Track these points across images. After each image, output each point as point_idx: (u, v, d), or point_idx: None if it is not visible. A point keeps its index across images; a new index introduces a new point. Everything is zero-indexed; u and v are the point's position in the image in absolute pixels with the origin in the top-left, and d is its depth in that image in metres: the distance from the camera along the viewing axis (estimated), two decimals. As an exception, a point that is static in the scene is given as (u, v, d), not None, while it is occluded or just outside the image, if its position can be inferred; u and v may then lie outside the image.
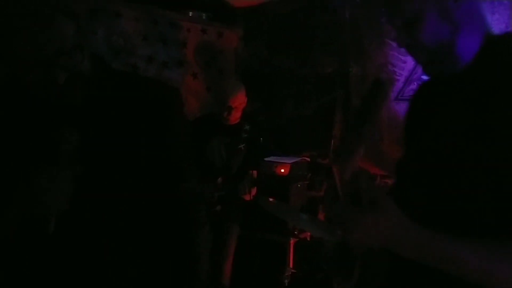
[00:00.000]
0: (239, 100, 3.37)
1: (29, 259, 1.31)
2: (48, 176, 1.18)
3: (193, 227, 1.45)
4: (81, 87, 1.22)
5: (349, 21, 3.94)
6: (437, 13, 1.11)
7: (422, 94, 1.36)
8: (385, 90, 1.17)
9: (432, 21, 1.11)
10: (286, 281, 3.06)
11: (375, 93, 1.12)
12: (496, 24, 3.04)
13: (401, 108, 3.61)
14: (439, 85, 1.21)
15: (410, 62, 3.49)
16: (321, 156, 4.18)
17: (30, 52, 1.11)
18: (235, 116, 3.41)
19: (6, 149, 1.27)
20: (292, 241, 3.24)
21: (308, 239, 3.56)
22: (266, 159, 3.90)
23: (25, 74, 1.17)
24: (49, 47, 1.11)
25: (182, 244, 1.45)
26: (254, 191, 3.21)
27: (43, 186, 1.17)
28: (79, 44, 1.17)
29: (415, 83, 3.47)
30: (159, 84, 1.44)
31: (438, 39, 1.12)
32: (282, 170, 3.84)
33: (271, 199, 2.95)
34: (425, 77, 1.36)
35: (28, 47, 1.10)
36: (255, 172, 3.33)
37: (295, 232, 2.91)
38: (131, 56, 3.82)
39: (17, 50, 1.10)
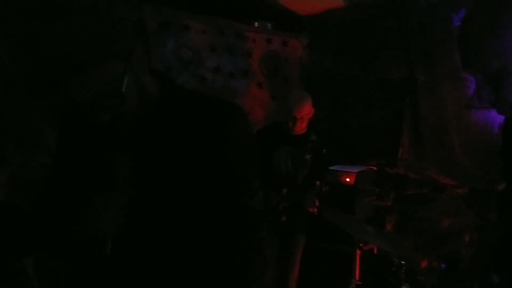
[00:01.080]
0: (304, 111, 3.34)
1: (88, 280, 1.37)
2: (104, 202, 1.23)
3: (253, 251, 1.42)
4: (128, 123, 1.23)
5: (416, 27, 3.85)
6: None
7: None
8: None
9: None
10: (351, 292, 3.02)
11: None
12: None
13: (473, 116, 3.48)
14: None
15: (482, 68, 3.36)
16: (389, 165, 4.09)
17: (74, 94, 1.11)
18: (301, 127, 3.38)
19: (65, 177, 1.34)
20: (358, 252, 3.20)
21: (375, 251, 3.50)
22: (331, 168, 3.88)
23: (76, 111, 1.19)
24: (91, 90, 1.10)
25: (242, 268, 1.42)
26: (317, 203, 3.19)
27: (100, 212, 1.22)
28: (120, 86, 1.14)
29: (487, 91, 3.33)
30: (221, 105, 1.39)
31: None
32: (348, 179, 3.81)
33: (335, 210, 2.93)
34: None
35: (72, 89, 1.11)
36: (319, 183, 3.31)
37: (360, 244, 2.87)
38: (199, 67, 3.93)
39: (62, 90, 1.12)
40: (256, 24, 4.39)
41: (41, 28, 1.07)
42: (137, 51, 1.17)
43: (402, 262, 2.59)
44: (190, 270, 1.35)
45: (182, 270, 1.34)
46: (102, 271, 1.32)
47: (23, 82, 2.89)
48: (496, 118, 3.35)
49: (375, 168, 3.99)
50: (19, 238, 1.89)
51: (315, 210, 3.18)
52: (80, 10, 1.08)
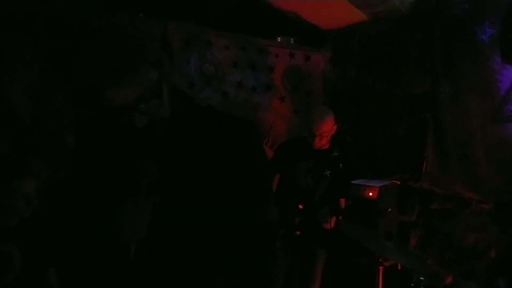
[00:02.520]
0: (324, 128, 3.32)
1: (111, 284, 1.41)
2: (130, 207, 1.28)
3: (267, 258, 1.46)
4: (160, 129, 1.30)
5: (440, 40, 3.81)
6: None
7: None
8: None
9: None
10: (374, 309, 2.97)
11: None
12: None
13: (498, 129, 3.41)
14: None
15: (506, 81, 3.29)
16: (413, 179, 4.03)
17: (113, 99, 1.18)
18: (321, 143, 3.36)
19: (93, 183, 1.39)
20: (381, 267, 3.16)
21: (399, 267, 3.44)
22: (354, 182, 3.84)
23: (109, 116, 1.26)
24: (131, 95, 1.18)
25: (255, 273, 1.46)
26: (334, 219, 3.15)
27: (126, 217, 1.27)
28: (159, 91, 1.22)
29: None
30: (236, 120, 1.46)
31: None
32: (371, 194, 3.75)
33: (354, 225, 2.90)
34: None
35: (111, 94, 1.17)
36: (342, 200, 3.28)
37: (380, 260, 2.83)
38: (221, 83, 3.97)
39: (101, 96, 1.18)
40: (279, 39, 4.43)
41: (70, 45, 1.14)
42: (165, 64, 1.24)
43: (421, 278, 2.54)
44: (209, 277, 1.39)
45: (200, 277, 1.38)
46: (125, 276, 1.36)
47: (56, 93, 2.96)
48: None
49: (398, 182, 3.93)
50: (49, 249, 1.95)
51: (331, 226, 3.15)
52: (111, 26, 1.16)
